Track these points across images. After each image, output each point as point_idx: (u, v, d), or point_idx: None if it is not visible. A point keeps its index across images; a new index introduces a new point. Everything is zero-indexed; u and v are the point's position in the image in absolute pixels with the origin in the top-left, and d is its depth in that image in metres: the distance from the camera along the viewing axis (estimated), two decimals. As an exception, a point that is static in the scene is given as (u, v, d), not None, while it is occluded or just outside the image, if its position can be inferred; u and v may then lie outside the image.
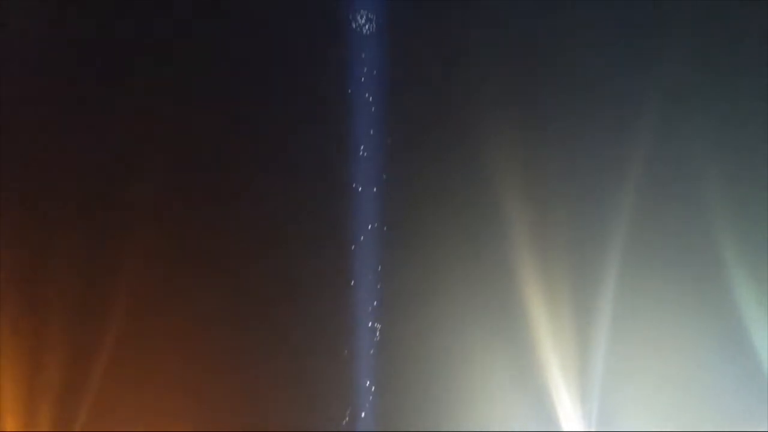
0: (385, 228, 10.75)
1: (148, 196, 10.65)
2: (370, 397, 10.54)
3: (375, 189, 10.83)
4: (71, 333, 10.51)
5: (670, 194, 10.30)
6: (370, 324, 10.74)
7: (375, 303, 10.71)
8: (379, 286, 10.67)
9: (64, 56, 10.81)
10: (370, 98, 10.88)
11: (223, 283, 10.64)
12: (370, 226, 10.80)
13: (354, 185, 10.83)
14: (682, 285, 10.12)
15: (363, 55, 10.79)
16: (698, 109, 10.15)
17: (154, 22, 10.72)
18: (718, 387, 10.00)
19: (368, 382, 10.53)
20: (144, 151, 10.80)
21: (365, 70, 10.81)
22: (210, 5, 10.89)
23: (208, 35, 10.83)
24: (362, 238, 10.78)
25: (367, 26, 10.79)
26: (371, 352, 10.58)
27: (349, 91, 10.74)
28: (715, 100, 10.11)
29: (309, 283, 10.67)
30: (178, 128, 10.75)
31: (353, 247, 10.72)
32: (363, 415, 10.51)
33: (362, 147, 10.84)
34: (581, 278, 10.36)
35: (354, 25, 10.78)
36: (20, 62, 10.78)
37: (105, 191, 10.75)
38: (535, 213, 10.47)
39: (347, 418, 10.50)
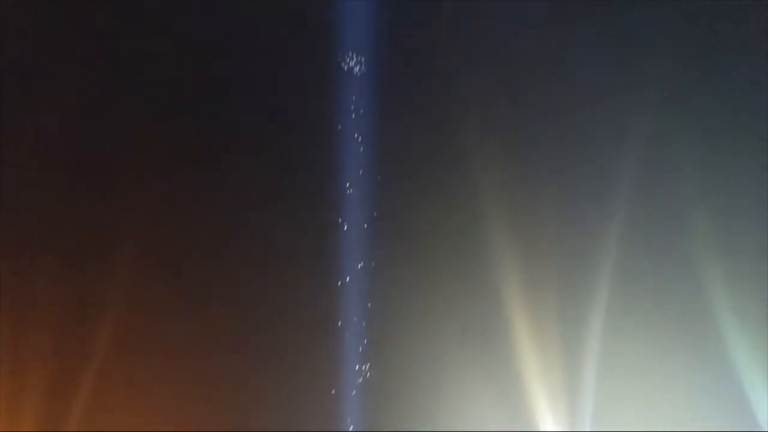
0: (373, 264, 10.67)
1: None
2: None
3: (364, 226, 10.77)
4: (65, 334, 10.43)
5: (657, 219, 10.42)
6: (357, 367, 10.55)
7: (364, 342, 10.57)
8: (364, 324, 10.56)
9: (57, 55, 10.81)
10: (359, 137, 10.91)
11: (213, 310, 10.57)
12: (359, 265, 10.71)
13: (342, 223, 10.79)
14: (670, 311, 10.20)
15: (353, 96, 10.88)
16: (684, 147, 10.36)
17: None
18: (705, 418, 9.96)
19: (354, 422, 10.38)
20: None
21: (353, 108, 10.89)
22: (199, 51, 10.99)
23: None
24: (349, 278, 10.69)
25: (356, 67, 10.92)
26: (357, 393, 10.43)
27: (339, 127, 10.78)
28: (703, 136, 10.34)
29: (295, 322, 10.53)
30: (168, 162, 10.80)
31: (340, 284, 10.61)
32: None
33: (349, 185, 10.82)
34: (570, 319, 10.34)
35: (344, 66, 10.91)
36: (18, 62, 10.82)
37: (100, 193, 10.68)
38: (525, 248, 10.49)
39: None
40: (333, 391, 10.40)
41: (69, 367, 10.34)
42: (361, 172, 10.83)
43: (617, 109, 10.45)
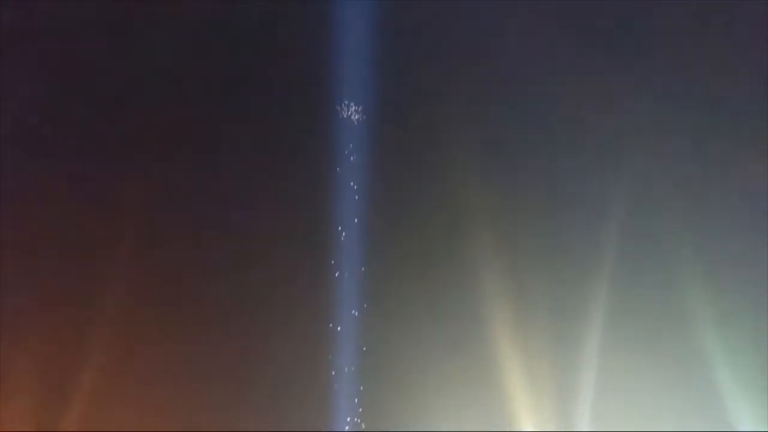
0: (365, 305, 10.61)
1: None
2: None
3: (357, 274, 10.72)
4: (63, 334, 10.32)
5: (646, 226, 10.62)
6: (349, 419, 10.38)
7: (359, 388, 10.40)
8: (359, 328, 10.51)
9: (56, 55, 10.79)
10: (355, 186, 10.93)
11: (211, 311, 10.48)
12: (353, 311, 10.61)
13: (335, 269, 10.73)
14: (657, 316, 10.30)
15: (351, 144, 10.96)
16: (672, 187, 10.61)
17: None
18: None
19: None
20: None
21: (348, 155, 10.96)
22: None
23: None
24: (341, 324, 10.59)
25: (355, 116, 11.04)
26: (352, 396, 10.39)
27: (337, 170, 10.79)
28: (696, 144, 10.58)
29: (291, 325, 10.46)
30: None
31: (332, 326, 10.52)
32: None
33: (344, 232, 10.74)
34: (559, 323, 10.42)
35: (341, 115, 11.03)
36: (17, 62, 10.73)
37: (96, 194, 10.60)
38: (516, 292, 10.55)
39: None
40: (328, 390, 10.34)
41: (65, 368, 10.19)
42: (355, 220, 10.86)
43: (611, 121, 10.73)
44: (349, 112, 11.07)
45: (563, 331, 10.52)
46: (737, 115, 10.42)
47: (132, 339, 10.39)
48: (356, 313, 10.55)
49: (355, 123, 11.05)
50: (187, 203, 10.58)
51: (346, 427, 10.33)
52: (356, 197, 10.97)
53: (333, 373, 10.35)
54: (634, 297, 10.44)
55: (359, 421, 10.38)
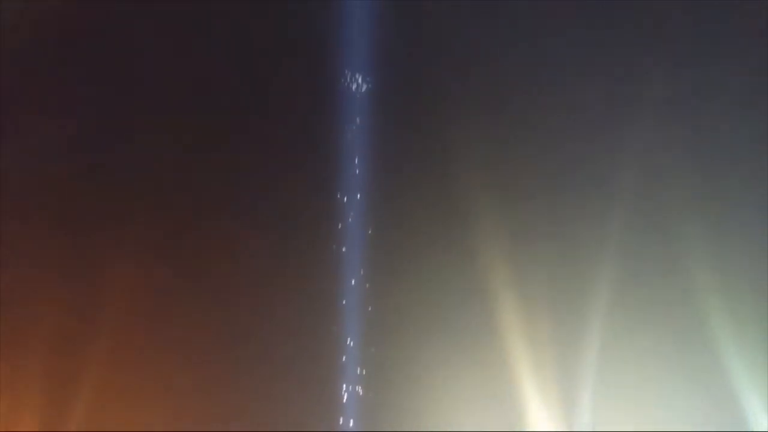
0: (368, 280, 10.74)
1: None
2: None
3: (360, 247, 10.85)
4: (65, 332, 10.47)
5: (649, 219, 10.56)
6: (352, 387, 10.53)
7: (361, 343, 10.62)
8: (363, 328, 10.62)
9: (57, 54, 11.01)
10: (358, 167, 11.01)
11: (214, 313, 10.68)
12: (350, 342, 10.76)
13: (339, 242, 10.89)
14: (665, 333, 10.26)
15: (355, 114, 11.06)
16: (680, 162, 10.51)
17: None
18: None
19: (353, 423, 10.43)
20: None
21: (352, 124, 11.04)
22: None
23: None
24: (346, 284, 10.74)
25: (360, 86, 11.16)
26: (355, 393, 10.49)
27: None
28: (699, 153, 10.51)
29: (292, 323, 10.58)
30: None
31: (337, 290, 10.72)
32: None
33: (344, 245, 10.90)
34: (564, 332, 10.43)
35: (345, 84, 11.14)
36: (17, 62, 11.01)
37: (97, 194, 10.76)
38: (517, 251, 10.62)
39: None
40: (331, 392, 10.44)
41: (69, 369, 10.35)
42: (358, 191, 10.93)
43: (613, 113, 10.77)
44: (354, 81, 11.12)
45: (566, 312, 10.51)
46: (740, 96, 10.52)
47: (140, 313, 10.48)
48: (358, 284, 10.68)
49: (361, 91, 11.11)
50: (191, 174, 10.77)
51: (345, 395, 10.43)
52: (357, 171, 11.03)
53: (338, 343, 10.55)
54: (639, 280, 10.37)
55: (361, 390, 10.51)
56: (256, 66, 11.10)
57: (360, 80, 11.00)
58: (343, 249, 10.83)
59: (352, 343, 10.64)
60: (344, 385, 10.59)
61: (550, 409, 10.42)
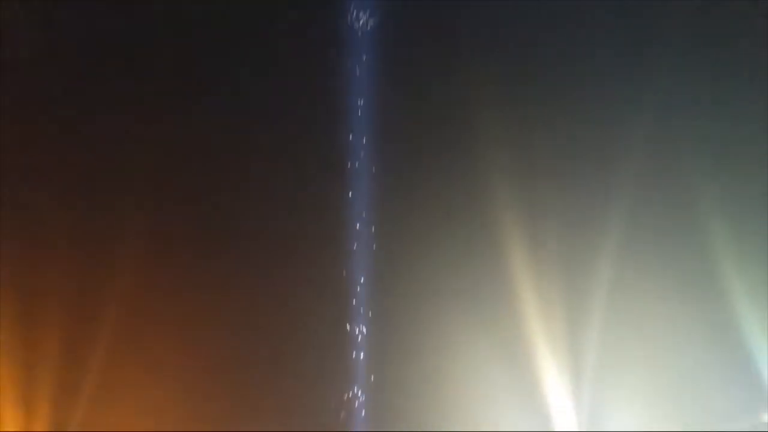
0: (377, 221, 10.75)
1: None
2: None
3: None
4: (66, 331, 10.43)
5: (662, 195, 10.58)
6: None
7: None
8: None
9: (61, 57, 10.97)
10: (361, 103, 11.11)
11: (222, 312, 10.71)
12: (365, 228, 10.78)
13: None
14: (674, 284, 10.20)
15: (362, 52, 11.04)
16: (689, 112, 10.60)
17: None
18: (709, 384, 9.74)
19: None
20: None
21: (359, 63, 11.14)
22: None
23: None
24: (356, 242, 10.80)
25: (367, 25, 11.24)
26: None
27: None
28: (706, 101, 10.57)
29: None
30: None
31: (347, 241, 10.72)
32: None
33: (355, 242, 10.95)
34: (573, 281, 10.48)
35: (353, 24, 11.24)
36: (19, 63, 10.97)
37: (100, 190, 10.79)
38: (528, 206, 10.55)
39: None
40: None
41: (74, 368, 10.33)
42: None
43: (620, 109, 10.64)
44: (360, 19, 11.02)
45: (577, 263, 10.51)
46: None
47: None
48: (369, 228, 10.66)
49: (367, 29, 11.03)
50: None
51: (358, 336, 10.51)
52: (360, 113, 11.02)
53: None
54: (649, 226, 10.44)
55: (365, 330, 10.58)
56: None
57: (366, 18, 10.98)
58: (350, 193, 10.90)
59: (360, 288, 10.72)
60: (351, 325, 10.70)
61: (556, 354, 10.45)
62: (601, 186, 10.63)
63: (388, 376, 10.37)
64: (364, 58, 10.90)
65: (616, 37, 10.70)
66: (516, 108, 10.74)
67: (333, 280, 10.72)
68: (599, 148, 10.57)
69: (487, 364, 10.40)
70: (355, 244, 10.79)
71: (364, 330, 10.61)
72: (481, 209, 10.68)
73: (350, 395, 10.44)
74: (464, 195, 10.77)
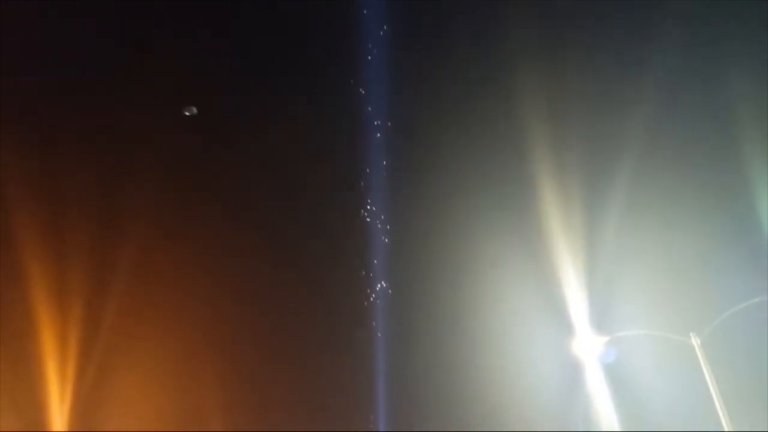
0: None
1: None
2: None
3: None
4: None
5: (686, 99, 10.80)
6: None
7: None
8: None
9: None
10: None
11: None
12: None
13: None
14: (692, 177, 10.59)
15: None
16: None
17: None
18: (721, 270, 10.52)
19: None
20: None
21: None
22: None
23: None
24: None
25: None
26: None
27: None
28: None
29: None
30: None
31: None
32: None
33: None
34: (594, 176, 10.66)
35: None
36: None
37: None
38: (551, 112, 10.69)
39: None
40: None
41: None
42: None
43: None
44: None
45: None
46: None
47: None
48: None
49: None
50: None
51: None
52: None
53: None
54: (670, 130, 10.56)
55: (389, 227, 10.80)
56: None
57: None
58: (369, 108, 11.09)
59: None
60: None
61: (573, 247, 10.97)
62: (625, 87, 10.81)
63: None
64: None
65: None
66: (548, 23, 10.79)
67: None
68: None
69: (505, 257, 11.11)
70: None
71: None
72: (506, 108, 10.91)
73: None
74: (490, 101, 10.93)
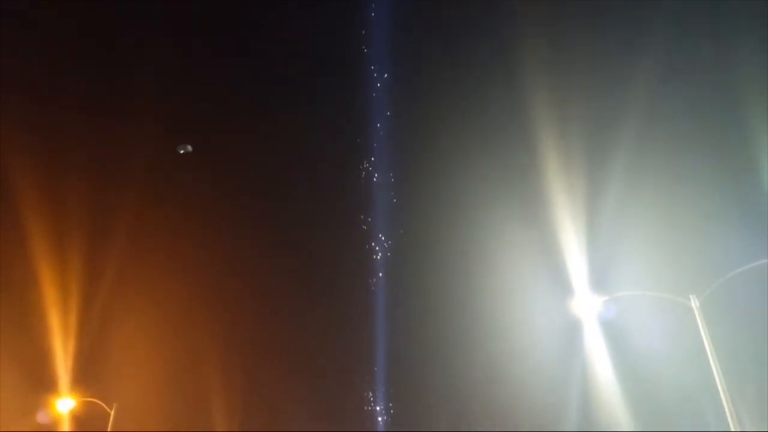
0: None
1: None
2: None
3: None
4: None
5: (689, 65, 10.74)
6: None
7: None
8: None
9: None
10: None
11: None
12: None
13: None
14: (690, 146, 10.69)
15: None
16: None
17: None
18: (722, 233, 10.66)
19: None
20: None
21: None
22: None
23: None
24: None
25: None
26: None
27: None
28: None
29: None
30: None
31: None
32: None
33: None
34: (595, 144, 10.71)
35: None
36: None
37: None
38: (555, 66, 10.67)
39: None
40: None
41: None
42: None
43: None
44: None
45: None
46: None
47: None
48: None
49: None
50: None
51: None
52: None
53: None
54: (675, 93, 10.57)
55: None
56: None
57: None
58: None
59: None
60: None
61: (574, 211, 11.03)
62: (628, 45, 10.78)
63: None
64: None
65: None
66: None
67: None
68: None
69: (508, 218, 11.21)
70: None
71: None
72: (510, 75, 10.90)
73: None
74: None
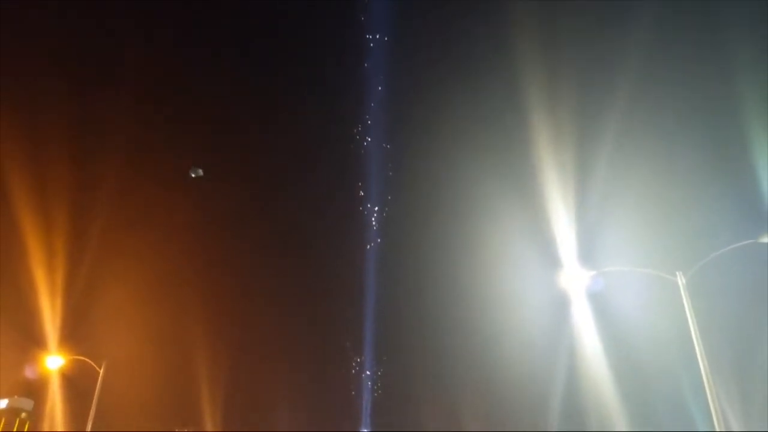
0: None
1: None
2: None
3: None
4: None
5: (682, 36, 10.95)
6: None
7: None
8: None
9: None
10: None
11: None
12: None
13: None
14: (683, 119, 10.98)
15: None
16: None
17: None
18: (711, 212, 11.01)
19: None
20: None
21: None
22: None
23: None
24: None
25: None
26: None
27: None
28: None
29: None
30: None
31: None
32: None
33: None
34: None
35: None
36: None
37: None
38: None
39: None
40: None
41: None
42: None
43: None
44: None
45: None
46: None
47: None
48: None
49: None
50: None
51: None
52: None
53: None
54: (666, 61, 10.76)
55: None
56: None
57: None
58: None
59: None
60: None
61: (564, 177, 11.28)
62: (619, 18, 10.94)
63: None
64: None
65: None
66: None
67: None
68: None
69: (498, 191, 11.49)
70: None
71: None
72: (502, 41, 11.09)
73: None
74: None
